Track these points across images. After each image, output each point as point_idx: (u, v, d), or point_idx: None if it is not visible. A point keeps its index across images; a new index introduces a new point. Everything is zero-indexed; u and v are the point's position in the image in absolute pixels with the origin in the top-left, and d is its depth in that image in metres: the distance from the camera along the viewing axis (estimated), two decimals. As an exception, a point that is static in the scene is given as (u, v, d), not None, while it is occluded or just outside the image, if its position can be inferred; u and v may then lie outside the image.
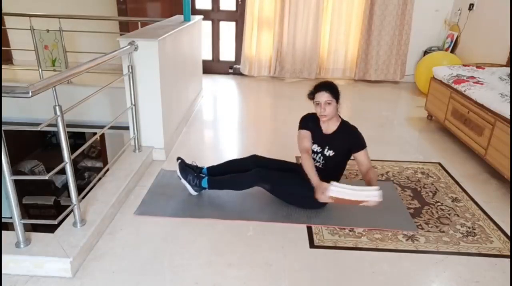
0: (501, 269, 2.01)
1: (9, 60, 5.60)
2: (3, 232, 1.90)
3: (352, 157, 2.36)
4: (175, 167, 2.54)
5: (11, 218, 1.80)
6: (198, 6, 5.56)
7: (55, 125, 1.84)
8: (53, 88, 1.79)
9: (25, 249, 1.84)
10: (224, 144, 3.68)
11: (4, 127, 1.65)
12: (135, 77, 2.74)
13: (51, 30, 4.15)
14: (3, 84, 1.66)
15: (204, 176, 2.51)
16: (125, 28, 5.06)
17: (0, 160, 1.64)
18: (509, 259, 2.08)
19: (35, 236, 1.93)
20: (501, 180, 2.87)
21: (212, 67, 5.78)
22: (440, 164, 3.14)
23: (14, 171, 2.62)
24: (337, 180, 2.35)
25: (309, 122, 2.43)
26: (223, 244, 2.12)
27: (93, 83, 3.75)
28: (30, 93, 1.61)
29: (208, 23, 5.60)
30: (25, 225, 1.85)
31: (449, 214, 2.46)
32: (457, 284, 1.91)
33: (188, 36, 3.82)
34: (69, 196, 2.25)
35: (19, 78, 5.17)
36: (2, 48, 5.24)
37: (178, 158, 2.60)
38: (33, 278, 1.82)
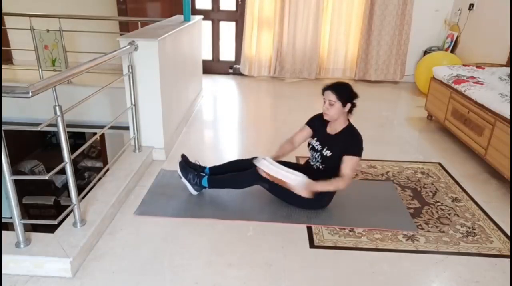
0: (501, 269, 2.01)
1: (9, 60, 5.60)
2: (3, 232, 1.90)
3: None
4: (176, 166, 2.55)
5: (11, 218, 1.80)
6: (198, 6, 5.56)
7: (55, 125, 1.84)
8: (53, 88, 1.79)
9: (25, 249, 1.84)
10: (224, 143, 3.68)
11: (4, 127, 1.65)
12: (135, 77, 2.74)
13: (51, 30, 4.15)
14: (3, 84, 1.66)
15: (204, 175, 2.51)
16: (125, 28, 5.06)
17: (0, 160, 1.64)
18: (509, 259, 2.08)
19: (35, 236, 1.93)
20: (501, 180, 2.87)
21: (212, 67, 5.79)
22: (440, 164, 3.15)
23: (14, 171, 2.62)
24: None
25: (316, 120, 2.43)
26: (223, 244, 2.12)
27: (93, 83, 3.75)
28: (30, 93, 1.61)
29: (208, 23, 5.61)
30: (25, 225, 1.85)
31: (449, 214, 2.46)
32: (457, 284, 1.91)
33: (188, 36, 3.82)
34: (69, 196, 2.25)
35: (19, 78, 5.17)
36: (2, 48, 5.24)
37: (183, 155, 2.60)
38: (33, 278, 1.82)
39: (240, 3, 5.50)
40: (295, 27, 5.38)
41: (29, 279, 1.81)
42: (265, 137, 3.78)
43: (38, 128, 1.79)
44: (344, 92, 2.22)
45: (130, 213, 2.35)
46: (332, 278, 1.90)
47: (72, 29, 4.35)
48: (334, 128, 2.34)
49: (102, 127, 2.56)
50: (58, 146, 1.96)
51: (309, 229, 2.25)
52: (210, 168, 2.60)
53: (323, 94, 2.28)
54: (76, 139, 6.30)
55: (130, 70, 2.69)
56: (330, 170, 2.33)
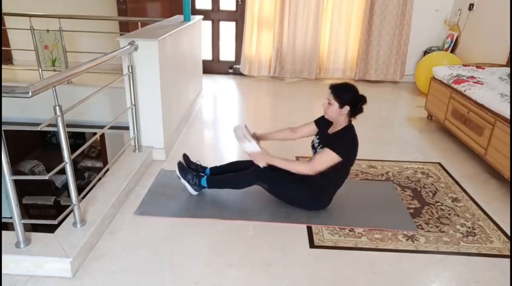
0: (501, 269, 2.01)
1: (9, 60, 5.60)
2: (3, 232, 1.90)
3: (351, 164, 2.34)
4: (176, 166, 2.55)
5: (11, 218, 1.80)
6: (198, 6, 5.56)
7: (55, 125, 1.84)
8: (53, 88, 1.79)
9: (25, 249, 1.84)
10: (224, 143, 3.68)
11: (4, 127, 1.65)
12: (135, 77, 2.74)
13: (51, 30, 4.15)
14: (3, 84, 1.66)
15: (203, 175, 2.51)
16: (125, 28, 5.06)
17: (0, 160, 1.64)
18: (509, 259, 2.08)
19: (35, 236, 1.93)
20: (501, 180, 2.87)
21: (212, 67, 5.79)
22: (440, 164, 3.15)
23: (14, 171, 2.62)
24: (332, 184, 2.35)
25: (323, 120, 2.43)
26: (223, 244, 2.12)
27: (93, 83, 3.75)
28: (30, 93, 1.61)
29: (208, 23, 5.61)
30: (25, 225, 1.85)
31: (449, 214, 2.46)
32: (457, 284, 1.91)
33: (188, 36, 3.82)
34: (69, 196, 2.25)
35: (19, 78, 5.17)
36: (2, 48, 5.24)
37: (184, 154, 2.60)
38: (33, 278, 1.82)
39: (240, 3, 5.50)
40: (295, 27, 5.38)
41: (29, 279, 1.81)
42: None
43: (38, 128, 1.79)
44: (343, 94, 2.20)
45: (130, 213, 2.35)
46: (332, 278, 1.90)
47: (72, 29, 4.35)
48: (334, 128, 2.34)
49: (102, 127, 2.56)
50: (58, 146, 1.96)
51: (309, 229, 2.25)
52: (211, 168, 2.60)
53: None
54: (76, 139, 6.30)
55: (130, 70, 2.69)
56: (328, 172, 2.29)
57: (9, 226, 2.06)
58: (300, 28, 5.39)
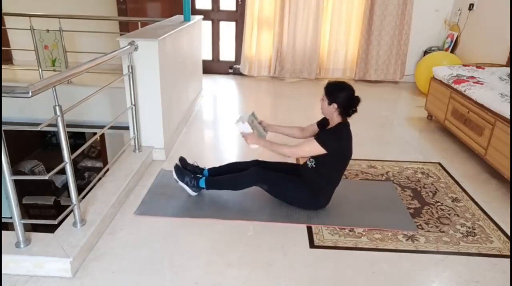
0: (501, 269, 2.01)
1: (9, 60, 5.60)
2: (3, 232, 1.90)
3: (348, 162, 2.35)
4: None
5: (11, 218, 1.80)
6: (198, 6, 5.56)
7: (55, 125, 1.84)
8: (53, 88, 1.79)
9: (25, 249, 1.84)
10: (224, 143, 3.68)
11: (4, 127, 1.65)
12: (135, 77, 2.74)
13: (51, 30, 4.15)
14: (3, 84, 1.66)
15: (201, 176, 2.51)
16: (125, 28, 5.06)
17: (0, 160, 1.64)
18: (509, 259, 2.08)
19: (35, 236, 1.93)
20: (501, 180, 2.87)
21: (212, 67, 5.79)
22: (440, 164, 3.15)
23: (14, 171, 2.62)
24: (328, 183, 2.35)
25: (324, 120, 2.46)
26: (223, 244, 2.12)
27: (93, 83, 3.75)
28: (30, 93, 1.61)
29: (208, 23, 5.60)
30: (25, 225, 1.85)
31: (449, 214, 2.46)
32: (457, 284, 1.91)
33: (188, 36, 3.82)
34: (69, 196, 2.25)
35: (19, 78, 5.17)
36: (2, 48, 5.24)
37: (181, 157, 2.60)
38: (33, 278, 1.82)
39: (240, 3, 5.50)
40: (295, 27, 5.38)
41: (29, 279, 1.81)
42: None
43: (38, 128, 1.79)
44: (333, 92, 2.23)
45: (130, 213, 2.35)
46: (332, 278, 1.90)
47: (72, 29, 4.35)
48: (330, 125, 2.36)
49: (102, 127, 2.56)
50: (58, 146, 1.96)
51: (309, 229, 2.25)
52: (209, 169, 2.60)
53: None
54: (76, 139, 6.30)
55: (130, 70, 2.69)
56: (319, 167, 2.32)
57: (9, 226, 2.06)
58: (300, 28, 5.39)
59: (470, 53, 4.83)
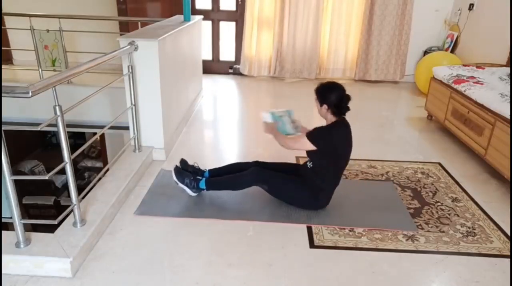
0: (501, 269, 2.01)
1: (9, 60, 5.60)
2: (3, 232, 1.90)
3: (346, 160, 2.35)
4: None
5: (11, 218, 1.80)
6: (198, 6, 5.56)
7: (55, 125, 1.84)
8: (53, 88, 1.79)
9: (25, 249, 1.84)
10: (224, 143, 3.68)
11: (4, 127, 1.65)
12: (135, 77, 2.74)
13: (51, 30, 4.15)
14: (3, 84, 1.66)
15: (201, 177, 2.51)
16: (125, 28, 5.06)
17: (0, 160, 1.64)
18: (509, 259, 2.08)
19: (35, 236, 1.93)
20: (501, 180, 2.87)
21: (212, 67, 5.78)
22: (440, 164, 3.15)
23: (14, 171, 2.62)
24: (325, 182, 2.35)
25: None
26: (223, 244, 2.12)
27: (93, 83, 3.75)
28: (30, 93, 1.61)
29: (208, 23, 5.60)
30: (25, 225, 1.85)
31: (449, 214, 2.46)
32: (457, 284, 1.91)
33: (188, 36, 3.82)
34: (69, 196, 2.25)
35: (19, 78, 5.17)
36: (2, 48, 5.24)
37: (182, 159, 2.60)
38: (33, 278, 1.82)
39: (240, 3, 5.50)
40: (295, 27, 5.38)
41: (29, 279, 1.81)
42: (265, 137, 3.76)
43: (38, 128, 1.79)
44: (322, 94, 2.28)
45: (130, 213, 2.35)
46: (332, 278, 1.90)
47: (72, 29, 4.35)
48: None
49: (102, 127, 2.56)
50: (58, 146, 1.96)
51: (309, 229, 2.25)
52: (210, 170, 2.60)
53: None
54: (76, 139, 6.29)
55: (130, 70, 2.69)
56: (316, 166, 2.35)
57: (9, 226, 2.05)
58: (300, 28, 5.39)
59: (470, 53, 4.83)
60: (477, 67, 3.93)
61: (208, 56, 5.77)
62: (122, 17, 4.94)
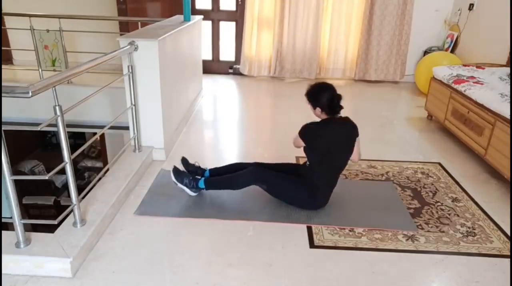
0: (501, 269, 2.01)
1: (9, 60, 5.60)
2: (3, 232, 1.90)
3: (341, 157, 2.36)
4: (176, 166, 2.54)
5: (11, 218, 1.80)
6: (198, 6, 5.56)
7: (55, 125, 1.84)
8: (53, 88, 1.79)
9: (25, 249, 1.84)
10: (224, 143, 3.68)
11: (4, 127, 1.65)
12: (135, 77, 2.74)
13: (51, 30, 4.15)
14: (3, 84, 1.66)
15: (200, 177, 2.51)
16: (125, 28, 5.06)
17: (0, 160, 1.64)
18: (509, 259, 2.08)
19: (35, 236, 1.93)
20: (501, 180, 2.87)
21: (212, 67, 5.78)
22: (440, 164, 3.15)
23: (14, 171, 2.62)
24: (321, 180, 2.35)
25: None
26: (223, 244, 2.12)
27: (93, 83, 3.75)
28: (30, 93, 1.61)
29: (208, 23, 5.60)
30: (25, 225, 1.85)
31: (449, 214, 2.46)
32: (457, 284, 1.91)
33: (188, 36, 3.82)
34: (69, 196, 2.25)
35: (19, 78, 5.17)
36: (2, 48, 5.24)
37: (183, 158, 2.60)
38: (33, 278, 1.82)
39: (240, 3, 5.50)
40: (295, 27, 5.38)
41: (29, 279, 1.81)
42: (265, 137, 3.78)
43: (38, 128, 1.79)
44: (312, 98, 2.32)
45: (130, 213, 2.35)
46: (332, 278, 1.90)
47: (72, 29, 4.35)
48: None
49: (102, 127, 2.56)
50: (58, 146, 1.96)
51: (309, 229, 2.25)
52: (210, 170, 2.60)
53: None
54: (76, 139, 6.29)
55: (130, 70, 2.69)
56: (310, 163, 2.38)
57: (9, 226, 2.05)
58: (300, 28, 5.39)
59: (470, 53, 4.83)
60: (477, 67, 3.93)
61: (208, 56, 5.77)
62: (122, 17, 4.94)
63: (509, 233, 2.30)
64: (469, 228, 2.33)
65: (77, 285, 1.80)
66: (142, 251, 2.03)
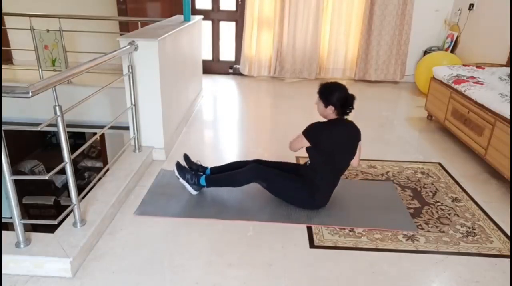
0: (501, 269, 2.01)
1: (9, 60, 5.60)
2: (3, 232, 1.90)
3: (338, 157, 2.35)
4: (174, 166, 2.54)
5: (11, 218, 1.80)
6: (198, 6, 5.56)
7: (55, 125, 1.84)
8: (53, 88, 1.79)
9: (25, 249, 1.84)
10: (224, 143, 3.68)
11: (4, 127, 1.65)
12: (135, 77, 2.74)
13: (51, 30, 4.15)
14: (3, 84, 1.66)
15: (202, 174, 2.51)
16: (125, 28, 5.06)
17: (0, 160, 1.64)
18: (509, 259, 2.08)
19: (35, 236, 1.93)
20: (501, 180, 2.87)
21: (212, 67, 5.79)
22: (440, 164, 3.15)
23: (14, 171, 2.62)
24: (324, 181, 2.35)
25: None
26: (223, 244, 2.12)
27: (93, 83, 3.75)
28: (30, 93, 1.61)
29: (208, 23, 5.60)
30: (25, 225, 1.85)
31: (449, 214, 2.46)
32: (457, 284, 1.91)
33: (188, 36, 3.82)
34: (69, 196, 2.25)
35: (19, 78, 5.17)
36: (2, 48, 5.24)
37: (185, 155, 2.61)
38: (33, 278, 1.82)
39: (240, 3, 5.50)
40: (295, 27, 5.38)
41: (29, 279, 1.81)
42: (265, 137, 3.78)
43: (38, 128, 1.79)
44: (327, 95, 2.26)
45: (130, 213, 2.35)
46: (332, 278, 1.90)
47: (72, 29, 4.35)
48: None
49: (102, 127, 2.56)
50: (58, 146, 1.96)
51: (309, 229, 2.25)
52: (211, 168, 2.61)
53: None
54: (76, 139, 6.30)
55: (130, 70, 2.69)
56: (313, 163, 2.38)
57: (9, 226, 2.05)
58: (300, 28, 5.39)
59: (470, 53, 4.83)
60: (477, 67, 3.93)
61: (208, 56, 5.77)
62: (122, 17, 4.94)
63: (509, 233, 2.30)
64: (469, 228, 2.33)
65: (77, 285, 1.80)
66: (142, 251, 2.03)
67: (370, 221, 2.34)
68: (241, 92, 5.31)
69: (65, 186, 5.65)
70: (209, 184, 2.48)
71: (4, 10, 4.76)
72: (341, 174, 2.42)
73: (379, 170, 3.01)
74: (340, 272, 1.94)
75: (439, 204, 2.58)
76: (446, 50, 5.21)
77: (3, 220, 1.98)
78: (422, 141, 3.71)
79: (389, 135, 3.79)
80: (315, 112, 2.43)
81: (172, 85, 3.24)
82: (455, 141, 3.55)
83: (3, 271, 1.79)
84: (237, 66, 5.76)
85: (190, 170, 2.57)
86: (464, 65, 4.03)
